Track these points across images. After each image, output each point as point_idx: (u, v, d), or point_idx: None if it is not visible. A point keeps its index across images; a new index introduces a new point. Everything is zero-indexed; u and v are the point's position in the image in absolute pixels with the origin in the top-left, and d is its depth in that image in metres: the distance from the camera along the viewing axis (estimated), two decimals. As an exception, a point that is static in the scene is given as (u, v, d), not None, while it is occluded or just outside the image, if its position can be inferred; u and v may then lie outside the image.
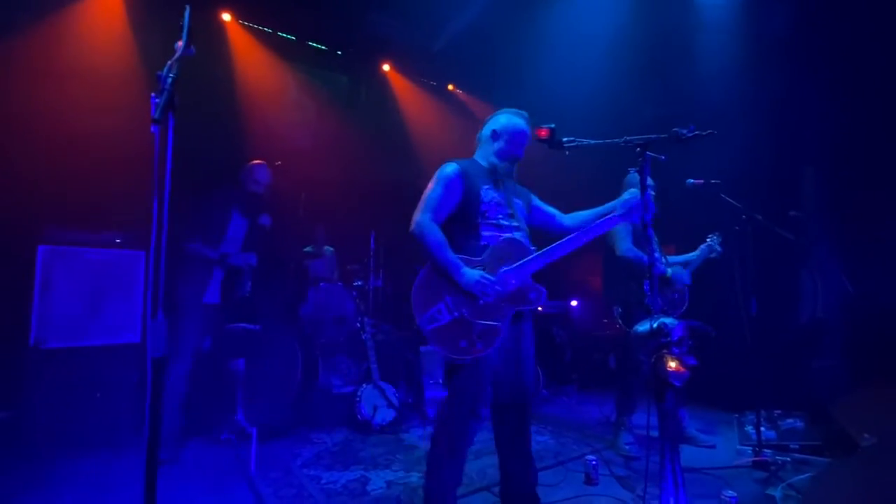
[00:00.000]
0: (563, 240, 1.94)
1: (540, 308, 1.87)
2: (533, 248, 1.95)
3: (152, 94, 1.03)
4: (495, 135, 2.09)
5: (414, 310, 1.85)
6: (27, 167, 3.33)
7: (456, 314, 1.83)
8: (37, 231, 2.98)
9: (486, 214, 1.96)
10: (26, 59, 3.58)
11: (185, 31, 1.29)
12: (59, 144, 3.52)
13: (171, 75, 1.10)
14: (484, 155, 2.12)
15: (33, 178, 3.32)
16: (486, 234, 1.95)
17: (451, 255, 1.86)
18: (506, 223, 2.00)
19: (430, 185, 1.99)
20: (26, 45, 3.59)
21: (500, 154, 2.07)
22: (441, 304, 1.84)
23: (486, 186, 2.00)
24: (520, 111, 2.12)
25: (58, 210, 3.28)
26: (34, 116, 3.52)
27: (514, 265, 1.89)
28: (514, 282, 1.87)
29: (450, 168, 2.00)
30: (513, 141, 2.05)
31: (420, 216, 1.91)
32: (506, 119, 2.09)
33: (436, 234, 1.88)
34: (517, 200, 2.13)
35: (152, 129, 0.98)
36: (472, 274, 1.83)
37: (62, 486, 2.37)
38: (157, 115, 0.98)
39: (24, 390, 2.71)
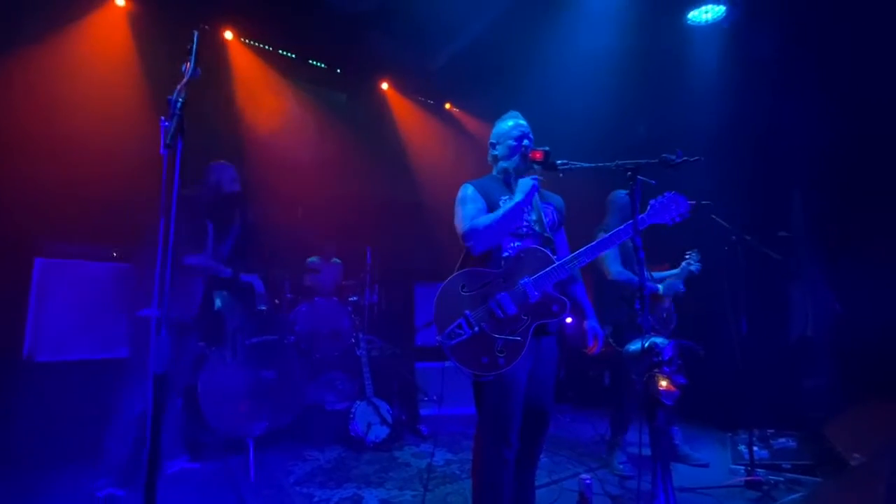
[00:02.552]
0: (589, 245, 1.87)
1: (569, 320, 1.84)
2: (555, 256, 1.90)
3: (161, 118, 1.07)
4: (493, 145, 2.12)
5: (435, 326, 1.81)
6: (25, 180, 3.34)
7: (476, 329, 1.78)
8: (34, 244, 2.99)
9: None
10: (27, 73, 3.62)
11: (193, 55, 1.33)
12: (57, 157, 3.53)
13: (180, 99, 1.14)
14: (496, 168, 2.12)
15: (31, 190, 3.33)
16: (507, 244, 1.91)
17: (499, 209, 1.88)
18: (528, 231, 1.96)
19: (458, 211, 1.98)
20: (27, 59, 3.63)
21: (504, 157, 2.05)
22: (461, 319, 1.79)
23: (505, 197, 1.98)
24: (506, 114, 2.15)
25: (55, 223, 3.29)
26: (32, 129, 3.54)
27: (534, 276, 1.83)
28: (534, 293, 1.82)
29: (464, 188, 2.03)
30: (507, 138, 2.04)
31: (464, 229, 1.89)
32: (496, 126, 2.14)
33: (478, 217, 1.89)
34: (545, 205, 2.07)
35: (161, 151, 1.01)
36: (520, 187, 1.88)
37: (51, 500, 2.35)
38: (168, 141, 1.01)
39: (16, 403, 2.68)
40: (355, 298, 4.61)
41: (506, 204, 1.90)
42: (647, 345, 1.51)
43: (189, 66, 1.34)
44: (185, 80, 1.19)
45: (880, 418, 2.82)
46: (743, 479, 2.74)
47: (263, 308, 2.90)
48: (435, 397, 3.94)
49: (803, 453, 3.05)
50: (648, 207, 1.92)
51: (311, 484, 2.73)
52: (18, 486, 2.46)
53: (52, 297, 2.95)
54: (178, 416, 2.73)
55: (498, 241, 1.90)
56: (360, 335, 3.74)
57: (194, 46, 1.32)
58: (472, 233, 1.86)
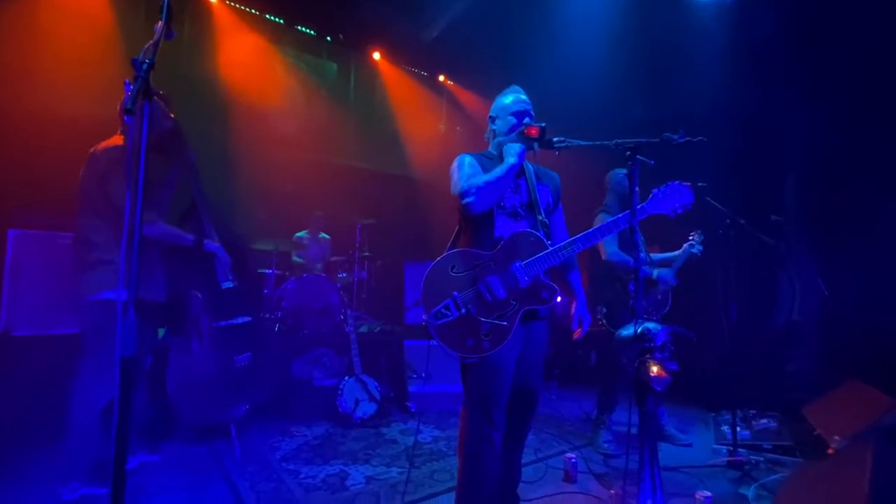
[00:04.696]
0: (584, 233, 1.84)
1: (559, 298, 1.80)
2: (548, 241, 1.87)
3: (126, 81, 0.98)
4: (492, 119, 2.05)
5: (423, 305, 1.78)
6: (-2, 148, 3.20)
7: (463, 311, 1.75)
8: (7, 215, 2.87)
9: (502, 202, 1.87)
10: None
11: (164, 12, 1.23)
12: (32, 126, 3.39)
13: (147, 61, 1.04)
14: (493, 144, 2.05)
15: (4, 160, 3.19)
16: (500, 224, 1.87)
17: (495, 169, 1.82)
18: (522, 212, 1.91)
19: (454, 174, 1.89)
20: (1, 23, 3.44)
21: (503, 133, 1.98)
22: (449, 300, 1.76)
23: None
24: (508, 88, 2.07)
25: (30, 193, 3.16)
26: (5, 97, 3.37)
27: (526, 261, 1.80)
28: (525, 278, 1.78)
29: (461, 156, 1.95)
30: (507, 113, 1.98)
31: (462, 188, 1.79)
32: (496, 100, 2.06)
33: (476, 176, 1.82)
34: (541, 186, 2.00)
35: (125, 119, 0.93)
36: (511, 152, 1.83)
37: (29, 475, 2.32)
38: (129, 105, 0.92)
39: (-7, 378, 2.62)
40: (344, 275, 4.56)
41: (501, 165, 1.83)
42: (639, 330, 1.48)
43: (160, 25, 1.24)
44: (154, 39, 1.09)
45: (859, 401, 2.86)
46: (725, 458, 2.79)
47: (231, 285, 2.53)
48: (423, 374, 3.94)
49: (784, 434, 3.11)
50: (650, 196, 1.86)
51: (297, 460, 2.73)
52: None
53: (29, 270, 2.84)
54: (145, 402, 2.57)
55: (495, 202, 1.84)
56: (349, 312, 3.70)
57: (165, 4, 1.21)
58: (471, 188, 1.77)
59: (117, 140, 2.12)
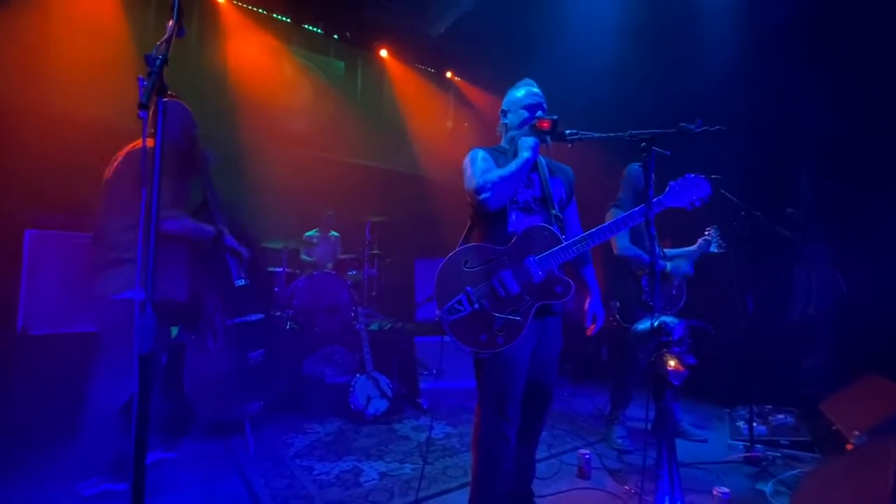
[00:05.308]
0: (599, 227, 1.81)
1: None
2: (563, 236, 1.84)
3: (139, 77, 0.98)
4: (504, 113, 2.03)
5: (436, 300, 1.77)
6: (14, 149, 3.24)
7: (476, 306, 1.74)
8: (24, 215, 2.91)
9: (515, 197, 1.86)
10: (12, 39, 3.47)
11: (175, 10, 1.23)
12: (48, 126, 3.43)
13: (160, 57, 1.04)
14: (505, 138, 2.03)
15: (21, 160, 3.23)
16: (513, 219, 1.85)
17: (510, 164, 1.80)
18: (535, 207, 1.89)
19: (467, 169, 1.88)
20: (15, 24, 3.48)
21: (515, 127, 1.96)
22: (462, 295, 1.75)
23: None
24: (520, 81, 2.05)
25: (46, 194, 3.20)
26: (21, 98, 3.42)
27: (540, 255, 1.78)
28: (539, 273, 1.77)
29: (474, 151, 1.94)
30: (519, 107, 1.95)
31: (477, 183, 1.78)
32: (508, 94, 2.04)
33: (490, 171, 1.81)
34: (554, 180, 1.98)
35: (140, 114, 0.93)
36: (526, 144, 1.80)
37: (46, 473, 2.35)
38: (144, 100, 0.93)
39: (10, 377, 2.65)
40: (354, 272, 4.57)
41: (515, 160, 1.81)
42: (656, 324, 1.46)
43: (173, 23, 1.24)
44: (166, 36, 1.10)
45: (878, 396, 2.81)
46: (741, 454, 2.76)
47: (244, 283, 2.50)
48: (434, 371, 3.94)
49: (801, 430, 3.06)
50: (667, 189, 1.83)
51: (311, 457, 2.74)
52: (10, 459, 2.46)
53: (46, 270, 2.88)
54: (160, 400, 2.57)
55: (510, 197, 1.82)
56: (359, 309, 3.71)
57: (177, 3, 1.21)
58: (486, 184, 1.76)
59: (150, 141, 2.15)
